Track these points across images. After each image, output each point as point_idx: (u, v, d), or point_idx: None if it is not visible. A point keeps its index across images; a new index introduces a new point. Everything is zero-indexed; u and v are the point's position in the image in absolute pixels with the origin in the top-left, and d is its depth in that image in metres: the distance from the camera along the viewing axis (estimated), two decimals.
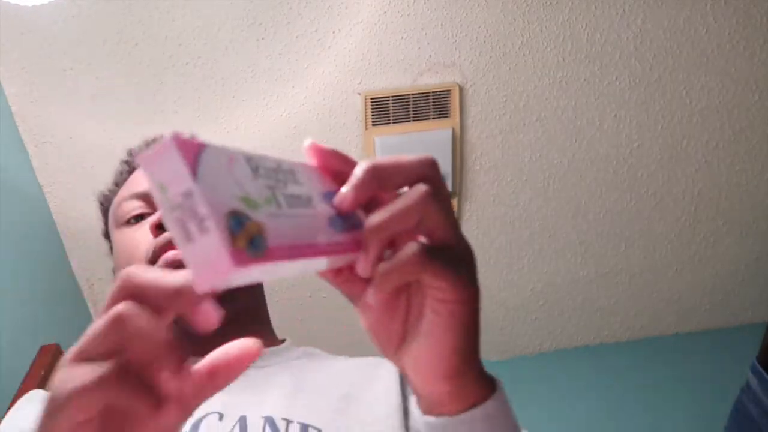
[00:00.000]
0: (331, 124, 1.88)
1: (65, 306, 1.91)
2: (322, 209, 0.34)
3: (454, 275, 0.36)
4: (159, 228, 0.63)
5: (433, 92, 1.85)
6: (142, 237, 0.66)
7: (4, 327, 1.52)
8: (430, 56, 1.83)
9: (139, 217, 0.69)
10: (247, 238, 0.27)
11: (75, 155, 1.79)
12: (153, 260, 0.61)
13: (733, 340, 2.42)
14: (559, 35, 1.85)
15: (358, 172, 0.35)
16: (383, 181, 0.35)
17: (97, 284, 1.99)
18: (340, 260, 0.35)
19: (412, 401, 0.61)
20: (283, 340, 0.74)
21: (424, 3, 1.75)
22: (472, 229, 2.14)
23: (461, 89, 1.88)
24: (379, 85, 1.84)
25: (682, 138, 2.09)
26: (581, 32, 1.86)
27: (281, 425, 0.54)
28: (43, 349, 1.55)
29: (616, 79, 1.95)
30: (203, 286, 0.27)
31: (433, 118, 1.90)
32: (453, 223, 0.37)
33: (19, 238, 1.67)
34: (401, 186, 0.36)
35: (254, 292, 0.71)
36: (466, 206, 2.09)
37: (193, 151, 0.28)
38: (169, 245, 0.61)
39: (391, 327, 0.41)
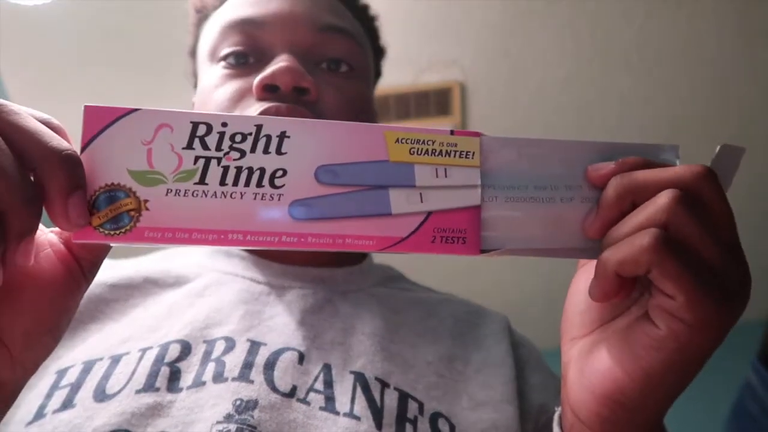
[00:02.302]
0: None
1: None
2: (298, 187, 0.29)
3: (693, 285, 0.29)
4: (268, 90, 0.46)
5: (434, 90, 1.85)
6: (240, 92, 0.49)
7: None
8: (432, 54, 1.82)
9: (241, 58, 0.50)
10: (110, 215, 0.28)
11: None
12: None
13: (733, 338, 2.41)
14: (560, 33, 1.85)
15: (610, 192, 0.31)
16: (637, 197, 0.31)
17: None
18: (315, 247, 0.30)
19: (534, 387, 0.53)
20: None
21: (426, 1, 1.74)
22: None
23: (462, 87, 1.88)
24: (380, 83, 1.84)
25: (683, 136, 2.09)
26: (582, 30, 1.85)
27: (375, 388, 0.43)
28: None
29: (618, 77, 1.95)
30: (78, 240, 0.29)
31: (435, 116, 1.90)
32: (717, 239, 0.30)
33: None
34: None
35: None
36: None
37: (104, 119, 0.28)
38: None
39: (594, 312, 0.36)
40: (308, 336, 0.45)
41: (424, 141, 0.31)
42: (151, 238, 0.28)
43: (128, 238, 0.28)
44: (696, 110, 2.05)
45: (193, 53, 0.59)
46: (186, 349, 0.42)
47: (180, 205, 0.28)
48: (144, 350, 0.42)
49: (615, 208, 0.31)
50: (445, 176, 0.31)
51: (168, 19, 1.68)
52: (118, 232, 0.28)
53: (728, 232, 0.31)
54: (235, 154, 0.29)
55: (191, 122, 0.29)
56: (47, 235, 0.31)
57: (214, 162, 0.29)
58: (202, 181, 0.29)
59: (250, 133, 0.29)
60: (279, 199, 0.29)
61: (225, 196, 0.29)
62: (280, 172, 0.29)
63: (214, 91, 0.50)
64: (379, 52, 0.63)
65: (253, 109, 0.47)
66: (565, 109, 1.97)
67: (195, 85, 0.58)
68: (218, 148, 0.29)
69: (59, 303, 0.30)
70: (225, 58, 0.50)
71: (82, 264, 0.31)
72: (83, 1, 1.61)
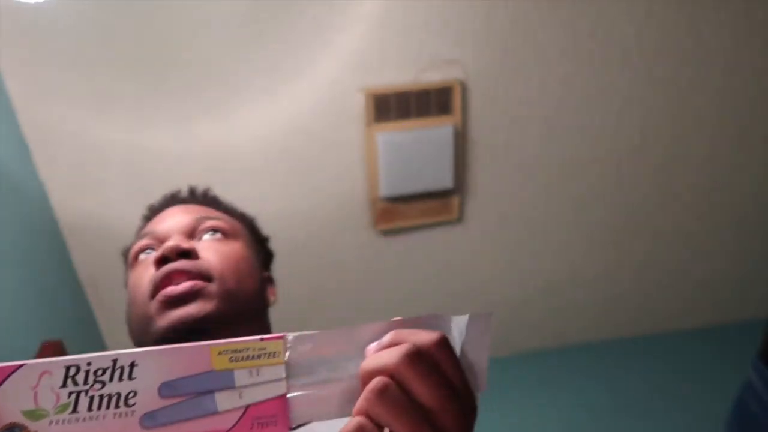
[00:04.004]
0: (333, 120, 1.88)
1: (67, 302, 1.92)
2: (146, 403, 0.39)
3: None
4: (161, 262, 0.65)
5: (435, 89, 1.85)
6: (146, 272, 0.67)
7: (6, 323, 1.53)
8: (432, 53, 1.82)
9: (147, 250, 0.71)
10: None
11: (77, 152, 1.79)
12: (153, 295, 0.64)
13: (735, 337, 2.42)
14: (561, 31, 1.85)
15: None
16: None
17: (99, 280, 2.00)
18: None
19: None
20: None
21: (427, 0, 1.75)
22: (474, 226, 2.14)
23: (463, 86, 1.88)
24: (381, 81, 1.84)
25: (684, 134, 2.09)
26: (583, 28, 1.85)
27: None
28: (45, 346, 1.56)
29: (618, 75, 1.94)
30: None
31: (435, 115, 1.89)
32: (414, 422, 0.36)
33: (20, 234, 1.67)
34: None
35: (244, 309, 0.69)
36: (467, 203, 2.09)
37: (3, 374, 0.38)
38: (167, 278, 0.63)
39: None
40: None
41: (240, 350, 0.39)
42: None
43: None
44: (696, 108, 2.05)
45: (126, 284, 0.77)
46: None
47: (64, 429, 0.38)
48: None
49: (362, 389, 0.38)
50: (258, 375, 0.39)
51: (169, 17, 1.68)
52: None
53: (438, 408, 0.37)
54: (98, 386, 0.38)
55: (64, 366, 0.38)
56: None
57: (83, 394, 0.38)
58: (74, 410, 0.38)
59: (109, 367, 0.39)
60: (132, 415, 0.38)
61: (93, 419, 0.38)
62: (132, 394, 0.39)
63: (132, 283, 0.69)
64: (263, 241, 0.84)
65: (153, 277, 0.64)
66: (566, 108, 1.97)
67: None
68: (85, 383, 0.38)
69: None
70: (137, 256, 0.71)
71: None
72: (83, 0, 1.61)
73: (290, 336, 0.40)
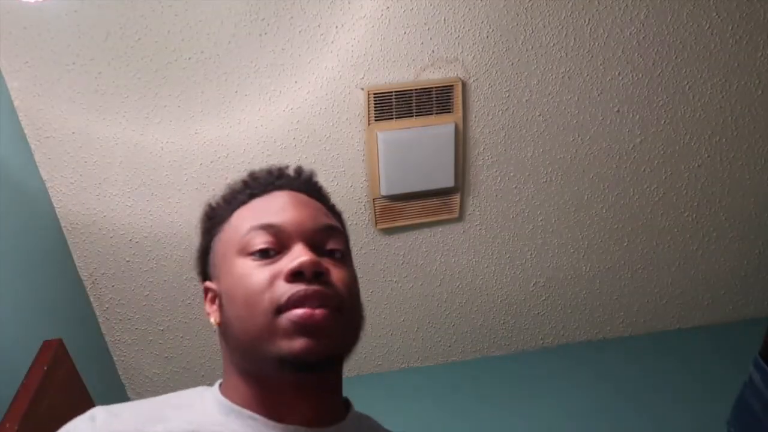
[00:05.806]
0: (334, 119, 1.88)
1: (68, 301, 1.92)
2: None
3: None
4: (296, 276, 0.60)
5: (435, 87, 1.85)
6: (272, 277, 0.61)
7: (7, 322, 1.53)
8: (433, 51, 1.82)
9: (264, 253, 0.64)
10: None
11: (77, 150, 1.79)
12: (283, 308, 0.58)
13: (736, 335, 2.42)
14: (561, 30, 1.85)
15: None
16: None
17: (100, 279, 2.00)
18: None
19: None
20: (346, 401, 0.72)
21: None
22: (474, 225, 2.14)
23: (464, 84, 1.88)
24: (382, 80, 1.84)
25: (684, 133, 2.09)
26: (584, 27, 1.85)
27: None
28: (46, 344, 1.56)
29: (619, 74, 1.94)
30: None
31: (436, 114, 1.89)
32: None
33: (21, 232, 1.67)
34: None
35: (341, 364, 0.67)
36: (468, 201, 2.09)
37: None
38: (305, 298, 0.59)
39: None
40: None
41: None
42: None
43: None
44: (696, 108, 2.05)
45: (205, 252, 0.73)
46: None
47: None
48: None
49: None
50: None
51: (170, 15, 1.68)
52: None
53: None
54: None
55: None
56: None
57: None
58: None
59: None
60: None
61: None
62: None
63: (247, 278, 0.63)
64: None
65: (286, 289, 0.60)
66: (566, 106, 1.97)
67: (202, 276, 0.73)
68: None
69: None
70: (254, 253, 0.64)
71: None
72: None
73: None
